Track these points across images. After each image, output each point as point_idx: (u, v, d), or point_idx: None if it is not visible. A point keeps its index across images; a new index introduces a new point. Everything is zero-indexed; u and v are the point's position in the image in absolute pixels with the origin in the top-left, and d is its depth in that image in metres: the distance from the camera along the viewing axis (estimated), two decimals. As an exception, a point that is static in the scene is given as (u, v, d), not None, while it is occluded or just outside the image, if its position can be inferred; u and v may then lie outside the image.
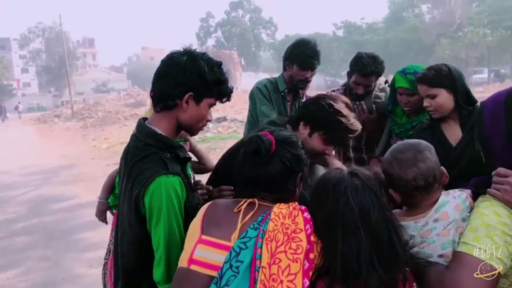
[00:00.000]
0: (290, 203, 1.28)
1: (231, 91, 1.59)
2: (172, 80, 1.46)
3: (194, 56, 1.49)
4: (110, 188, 2.18)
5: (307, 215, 1.23)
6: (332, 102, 1.78)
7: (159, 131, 1.50)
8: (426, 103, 2.13)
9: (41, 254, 5.05)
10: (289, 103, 2.97)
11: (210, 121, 1.63)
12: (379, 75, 2.78)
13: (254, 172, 1.32)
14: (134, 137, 1.56)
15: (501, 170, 1.31)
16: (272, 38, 61.83)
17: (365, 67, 2.68)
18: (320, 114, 1.77)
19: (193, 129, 1.61)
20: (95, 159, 12.07)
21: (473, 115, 2.08)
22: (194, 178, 1.81)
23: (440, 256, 1.29)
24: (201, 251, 1.24)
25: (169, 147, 1.49)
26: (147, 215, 1.42)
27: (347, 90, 2.92)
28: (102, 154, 12.85)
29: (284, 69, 2.90)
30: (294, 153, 1.35)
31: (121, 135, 15.57)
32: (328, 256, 1.19)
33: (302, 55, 2.74)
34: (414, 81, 2.29)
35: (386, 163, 1.45)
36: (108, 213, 2.41)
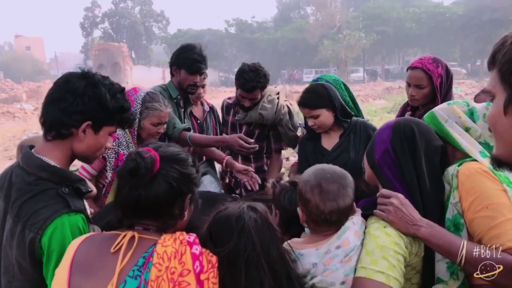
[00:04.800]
0: (177, 236, 1.13)
1: (134, 118, 1.48)
2: (68, 107, 1.32)
3: (94, 82, 1.35)
4: None
5: (196, 249, 1.11)
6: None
7: (52, 162, 1.34)
8: (310, 122, 2.33)
9: None
10: (182, 109, 2.94)
11: (109, 148, 1.49)
12: (263, 87, 2.87)
13: (133, 195, 1.14)
14: (19, 171, 1.35)
15: (384, 191, 1.40)
16: (164, 31, 60.13)
17: (246, 82, 2.75)
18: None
19: (90, 159, 1.48)
20: (-43, 164, 10.42)
21: (350, 126, 2.36)
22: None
23: (343, 283, 1.30)
24: None
25: (67, 180, 1.34)
26: (44, 258, 1.26)
27: (237, 101, 3.01)
28: (-35, 158, 11.14)
29: (172, 74, 2.87)
30: (182, 172, 1.19)
31: (-10, 135, 13.73)
32: None
33: (189, 60, 2.75)
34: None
35: (307, 186, 1.40)
36: None
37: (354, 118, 2.42)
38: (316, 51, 41.02)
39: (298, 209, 1.45)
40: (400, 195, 1.36)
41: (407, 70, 2.52)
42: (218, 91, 26.78)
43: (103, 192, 2.41)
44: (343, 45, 38.92)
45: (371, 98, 19.27)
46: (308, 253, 1.36)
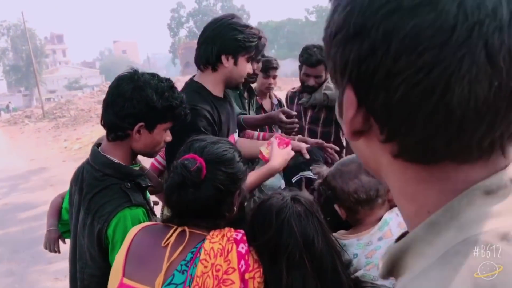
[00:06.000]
0: (225, 232, 1.13)
1: (187, 113, 1.48)
2: (120, 111, 1.38)
3: (140, 85, 1.38)
4: (57, 215, 1.96)
5: (242, 247, 1.10)
6: (235, 21, 1.75)
7: (116, 160, 1.44)
8: None
9: (5, 268, 4.78)
10: (246, 100, 2.87)
11: (168, 141, 1.51)
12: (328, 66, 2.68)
13: (182, 202, 1.14)
14: (89, 167, 1.47)
15: None
16: (245, 25, 61.27)
17: (310, 57, 2.67)
18: (239, 37, 1.71)
19: (150, 155, 1.55)
20: (66, 161, 11.67)
21: None
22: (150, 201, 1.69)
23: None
24: None
25: (129, 176, 1.43)
26: (109, 246, 1.37)
27: (301, 84, 2.92)
28: (73, 156, 12.44)
29: None
30: (229, 173, 1.16)
31: (93, 135, 15.10)
32: None
33: None
34: None
35: (330, 176, 1.38)
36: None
37: None
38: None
39: (335, 206, 1.37)
40: None
41: None
42: (298, 80, 26.50)
43: None
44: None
45: None
46: (350, 243, 1.31)
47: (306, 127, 2.89)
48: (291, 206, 1.17)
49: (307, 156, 1.99)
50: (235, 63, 1.76)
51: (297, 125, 2.30)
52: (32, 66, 35.49)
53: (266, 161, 1.80)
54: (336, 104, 0.49)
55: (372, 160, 0.48)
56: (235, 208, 1.24)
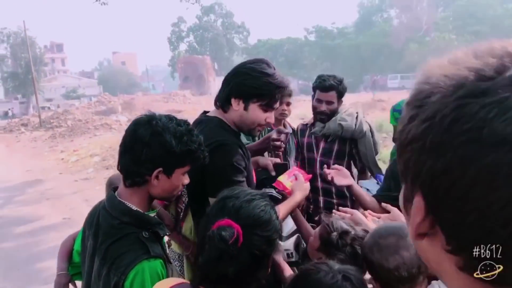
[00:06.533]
0: None
1: (205, 156, 1.45)
2: (138, 156, 1.35)
3: (158, 130, 1.35)
4: (68, 257, 1.95)
5: None
6: (253, 66, 1.73)
7: (134, 207, 1.39)
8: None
9: (0, 287, 4.70)
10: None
11: (186, 184, 1.50)
12: (340, 92, 2.78)
13: (218, 272, 1.09)
14: (105, 213, 1.42)
15: None
16: (245, 42, 61.94)
17: (323, 81, 2.76)
18: (248, 82, 1.70)
19: (168, 199, 1.54)
20: (62, 174, 11.57)
21: None
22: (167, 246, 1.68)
23: None
24: None
25: (147, 224, 1.39)
26: None
27: (313, 112, 2.94)
28: (70, 168, 12.34)
29: None
30: (265, 236, 1.11)
31: (90, 147, 15.05)
32: None
33: None
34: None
35: (366, 248, 1.28)
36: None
37: None
38: (402, 56, 39.04)
39: (370, 278, 1.28)
40: None
41: None
42: (297, 100, 26.54)
43: (181, 216, 2.42)
44: (431, 49, 36.57)
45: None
46: None
47: (318, 159, 2.88)
48: (342, 286, 1.09)
49: (273, 173, 2.06)
50: (245, 108, 1.74)
51: (283, 145, 2.28)
52: (30, 74, 35.46)
53: (286, 191, 1.81)
54: (401, 196, 0.50)
55: (434, 263, 0.47)
56: (269, 269, 1.19)
